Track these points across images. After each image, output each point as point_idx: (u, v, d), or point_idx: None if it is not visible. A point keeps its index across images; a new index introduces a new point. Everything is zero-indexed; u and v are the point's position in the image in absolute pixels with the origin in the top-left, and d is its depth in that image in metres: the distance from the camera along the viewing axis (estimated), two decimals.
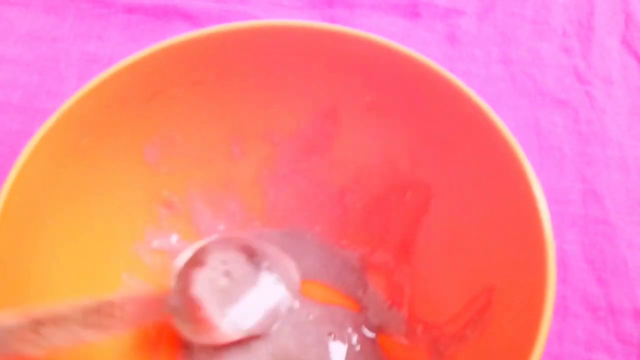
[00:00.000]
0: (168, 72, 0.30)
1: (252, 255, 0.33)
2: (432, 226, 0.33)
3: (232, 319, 0.32)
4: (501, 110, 0.29)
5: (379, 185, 0.35)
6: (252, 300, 0.32)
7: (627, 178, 0.37)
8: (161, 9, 0.43)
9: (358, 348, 0.32)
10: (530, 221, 0.27)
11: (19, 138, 0.38)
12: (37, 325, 0.24)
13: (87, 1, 0.43)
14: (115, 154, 0.31)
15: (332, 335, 0.32)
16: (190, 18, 0.43)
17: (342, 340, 0.32)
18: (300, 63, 0.32)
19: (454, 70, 0.30)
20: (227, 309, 0.32)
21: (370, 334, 0.33)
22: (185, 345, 0.32)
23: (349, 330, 0.33)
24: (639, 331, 0.33)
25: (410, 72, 0.30)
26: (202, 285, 0.32)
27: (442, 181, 0.32)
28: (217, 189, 0.35)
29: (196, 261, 0.32)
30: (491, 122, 0.29)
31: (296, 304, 0.33)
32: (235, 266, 0.33)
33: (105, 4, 0.43)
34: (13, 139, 0.38)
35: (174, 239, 0.34)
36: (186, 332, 0.31)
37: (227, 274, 0.33)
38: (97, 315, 0.27)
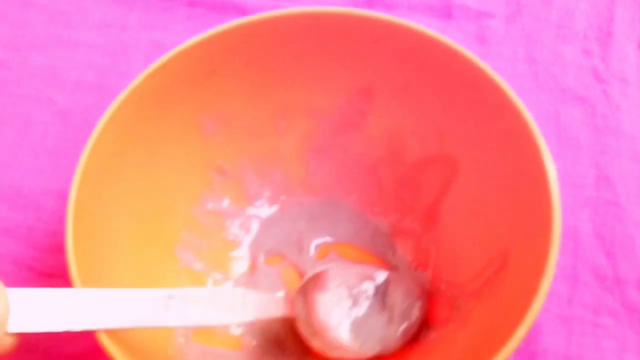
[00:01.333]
0: (223, 53, 0.34)
1: (371, 280, 0.35)
2: (456, 196, 0.36)
3: (361, 340, 0.34)
4: (524, 103, 0.32)
5: (409, 159, 0.38)
6: (376, 322, 0.34)
7: (638, 167, 0.40)
8: (220, 3, 0.48)
9: None
10: (542, 194, 0.30)
11: (92, 111, 0.43)
12: (168, 298, 0.28)
13: None
14: (177, 125, 0.35)
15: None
16: (245, 12, 0.47)
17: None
18: (341, 47, 0.36)
19: None
20: (354, 329, 0.34)
21: None
22: None
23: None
24: None
25: (443, 56, 0.34)
26: (328, 309, 0.34)
27: (468, 156, 0.35)
28: (264, 159, 0.38)
29: (317, 284, 0.34)
30: (513, 104, 0.32)
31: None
32: (355, 290, 0.35)
33: None
34: (87, 112, 0.43)
35: (225, 202, 0.38)
36: (315, 344, 0.33)
37: (353, 298, 0.35)
38: (222, 298, 0.30)
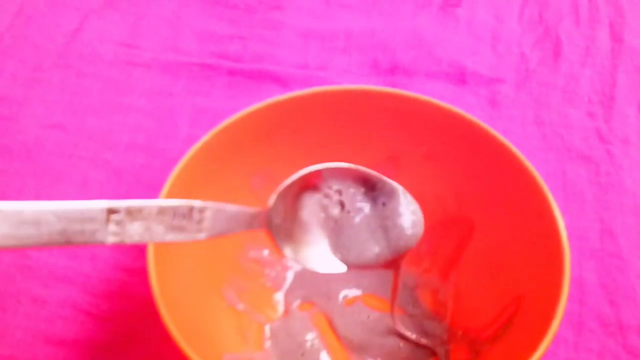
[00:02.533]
0: (276, 121, 0.39)
1: (371, 189, 0.33)
2: (473, 252, 0.40)
3: (339, 251, 0.33)
4: (533, 163, 0.37)
5: (430, 220, 0.41)
6: (360, 236, 0.33)
7: (639, 221, 0.44)
8: (256, 73, 0.53)
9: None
10: (554, 246, 0.34)
11: (143, 170, 0.48)
12: (110, 213, 0.25)
13: (197, 65, 0.54)
14: (232, 179, 0.39)
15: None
16: (280, 81, 0.52)
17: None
18: (371, 119, 0.41)
19: (494, 129, 0.38)
20: (335, 241, 0.33)
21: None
22: None
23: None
24: None
25: (460, 128, 0.38)
26: (312, 210, 0.33)
27: (483, 216, 0.40)
28: None
29: (307, 183, 0.32)
30: (526, 168, 0.36)
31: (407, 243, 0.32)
32: (349, 198, 0.33)
33: (211, 68, 0.54)
34: (138, 172, 0.48)
35: (265, 252, 0.42)
36: (287, 251, 0.32)
37: (341, 204, 0.33)
38: (173, 215, 0.27)
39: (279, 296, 0.42)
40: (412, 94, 0.40)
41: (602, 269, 0.42)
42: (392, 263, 0.34)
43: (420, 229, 0.34)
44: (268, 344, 0.39)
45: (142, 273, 0.43)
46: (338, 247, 0.33)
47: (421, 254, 0.43)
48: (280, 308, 0.41)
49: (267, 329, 0.40)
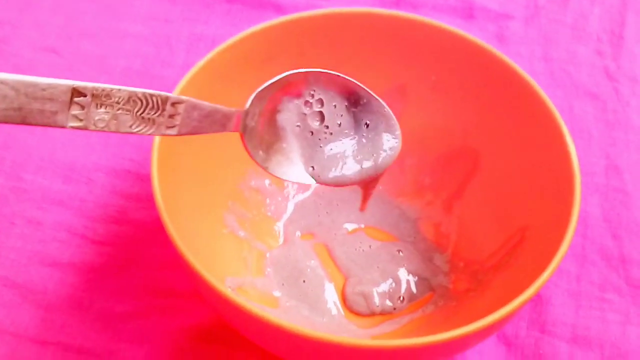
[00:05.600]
0: (278, 42, 0.38)
1: (354, 104, 0.32)
2: (478, 183, 0.39)
3: (311, 164, 0.31)
4: None
5: (434, 152, 0.41)
6: (335, 152, 0.32)
7: None
8: (256, 1, 0.51)
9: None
10: (564, 174, 0.33)
11: None
12: (74, 94, 0.23)
13: None
14: (234, 103, 0.38)
15: (400, 252, 0.39)
16: (281, 9, 0.51)
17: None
18: (377, 44, 0.40)
19: None
20: (308, 151, 0.31)
21: None
22: None
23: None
24: None
25: (470, 53, 0.37)
26: (289, 117, 0.31)
27: (490, 148, 0.39)
28: None
29: (290, 87, 0.30)
30: (537, 94, 0.35)
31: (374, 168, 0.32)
32: (330, 110, 0.31)
33: None
34: None
35: (266, 182, 0.41)
36: (257, 157, 0.31)
37: (321, 116, 0.31)
38: (144, 106, 0.25)
39: (280, 226, 0.41)
40: (421, 18, 0.38)
41: (606, 203, 0.42)
42: (366, 184, 0.33)
43: (397, 152, 0.32)
44: (269, 270, 0.39)
45: (138, 199, 0.42)
46: (311, 160, 0.32)
47: (424, 187, 0.42)
48: (281, 237, 0.41)
49: (268, 256, 0.39)
